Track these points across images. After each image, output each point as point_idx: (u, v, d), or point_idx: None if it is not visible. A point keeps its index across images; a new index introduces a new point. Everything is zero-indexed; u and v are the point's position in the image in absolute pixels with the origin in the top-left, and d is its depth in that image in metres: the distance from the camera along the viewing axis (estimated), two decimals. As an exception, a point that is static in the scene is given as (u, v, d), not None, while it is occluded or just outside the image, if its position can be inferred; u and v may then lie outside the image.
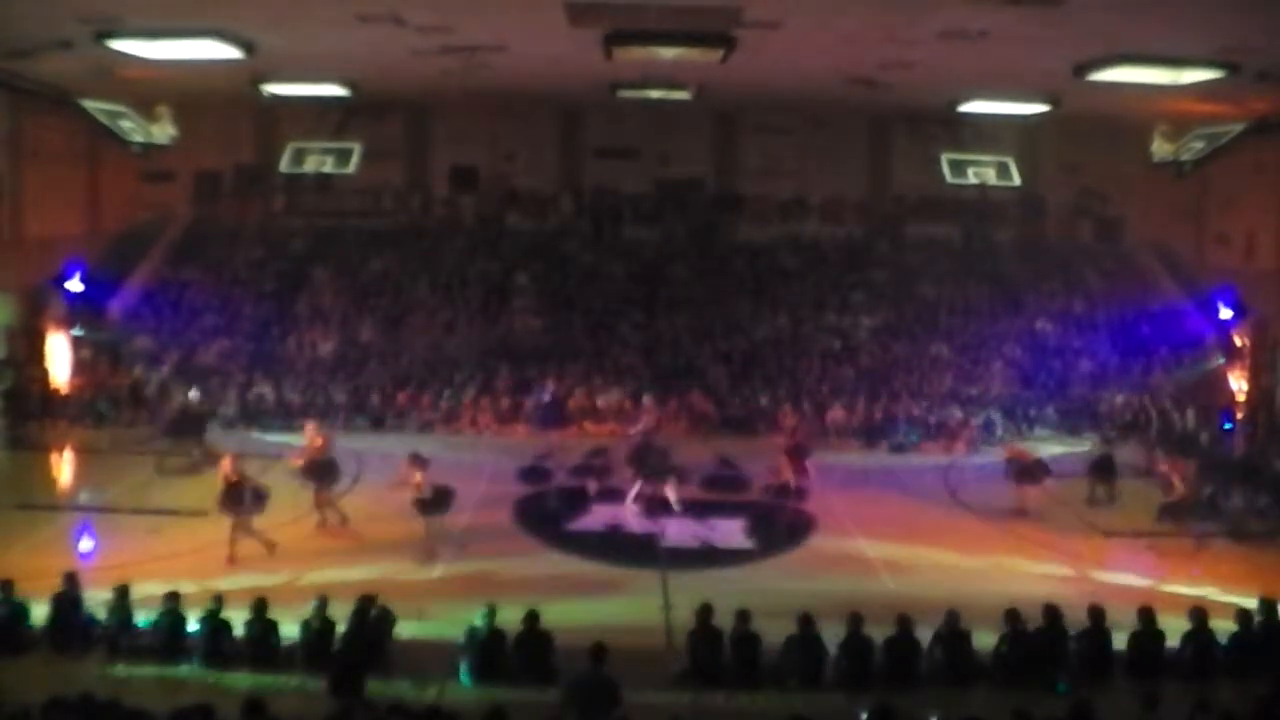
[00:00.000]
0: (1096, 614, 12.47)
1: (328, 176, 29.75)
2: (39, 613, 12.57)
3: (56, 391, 25.56)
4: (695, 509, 18.95)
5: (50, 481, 21.47)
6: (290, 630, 12.35)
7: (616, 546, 17.20)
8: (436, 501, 16.97)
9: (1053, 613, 12.43)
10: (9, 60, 18.31)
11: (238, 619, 12.35)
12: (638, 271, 30.45)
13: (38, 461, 22.00)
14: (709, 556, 16.96)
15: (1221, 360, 26.44)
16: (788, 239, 31.53)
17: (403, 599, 12.91)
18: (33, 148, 25.89)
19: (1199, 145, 22.99)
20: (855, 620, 12.20)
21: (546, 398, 24.25)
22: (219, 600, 12.42)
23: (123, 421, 24.29)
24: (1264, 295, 25.32)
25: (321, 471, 18.12)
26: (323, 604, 12.38)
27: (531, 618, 12.11)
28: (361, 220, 31.39)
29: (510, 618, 12.18)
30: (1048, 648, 12.22)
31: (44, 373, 25.62)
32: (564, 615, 12.67)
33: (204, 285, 29.16)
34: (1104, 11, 13.31)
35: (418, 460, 17.32)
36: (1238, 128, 22.09)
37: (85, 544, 16.89)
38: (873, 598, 14.13)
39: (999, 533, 18.22)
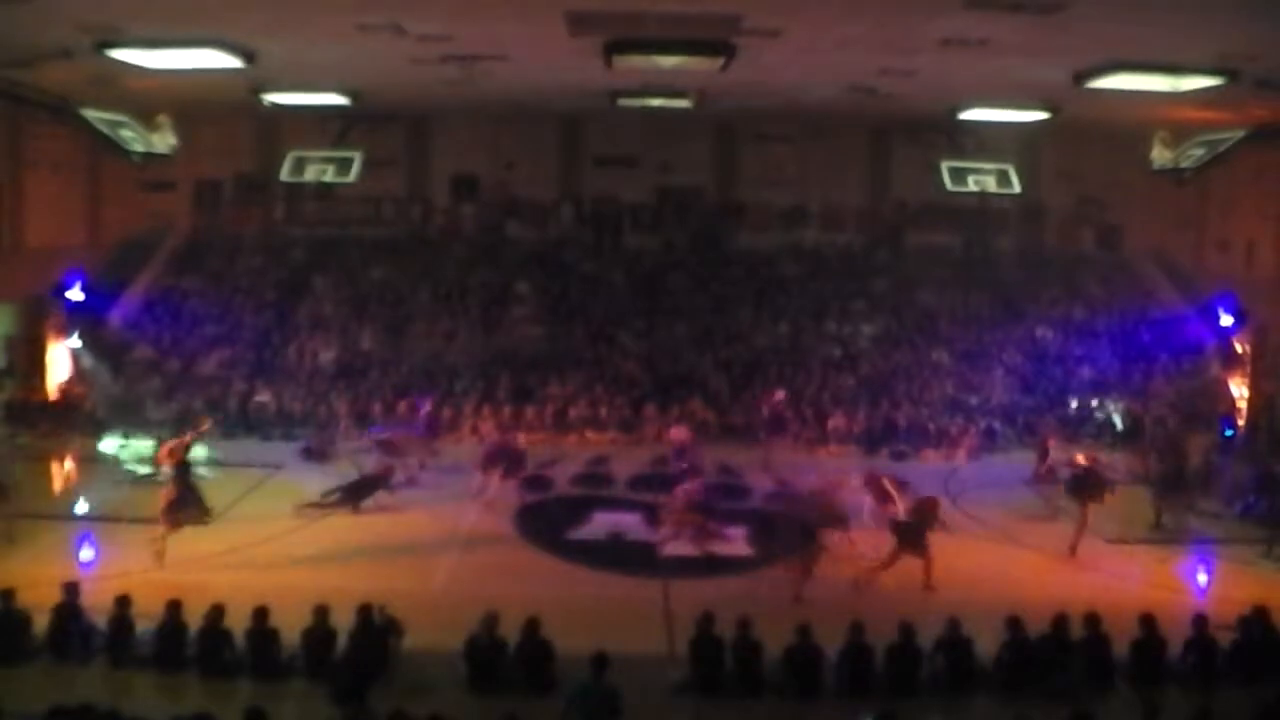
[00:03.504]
0: (1093, 622, 12.48)
1: (328, 185, 29.76)
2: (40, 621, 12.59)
3: (57, 401, 25.57)
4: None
5: (51, 490, 21.43)
6: (291, 638, 12.36)
7: (617, 555, 17.17)
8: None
9: (1059, 621, 12.44)
10: (9, 70, 18.33)
11: (238, 628, 12.36)
12: (638, 280, 30.46)
13: (38, 470, 21.94)
14: (710, 564, 16.91)
15: (1220, 368, 26.47)
16: (788, 247, 31.54)
17: (403, 608, 12.88)
18: (33, 157, 25.91)
19: (1199, 152, 22.99)
20: (856, 628, 12.21)
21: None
22: (220, 609, 12.41)
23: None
24: (1264, 302, 25.33)
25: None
26: (323, 613, 12.39)
27: (531, 626, 12.12)
28: (362, 229, 31.39)
29: (511, 626, 12.19)
30: (1049, 655, 12.22)
31: (44, 382, 25.63)
32: (565, 624, 12.65)
33: (204, 294, 29.15)
34: (1103, 19, 13.33)
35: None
36: (1238, 134, 22.09)
37: (86, 553, 16.84)
38: (874, 605, 14.12)
39: (1000, 540, 18.18)
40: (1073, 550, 17.16)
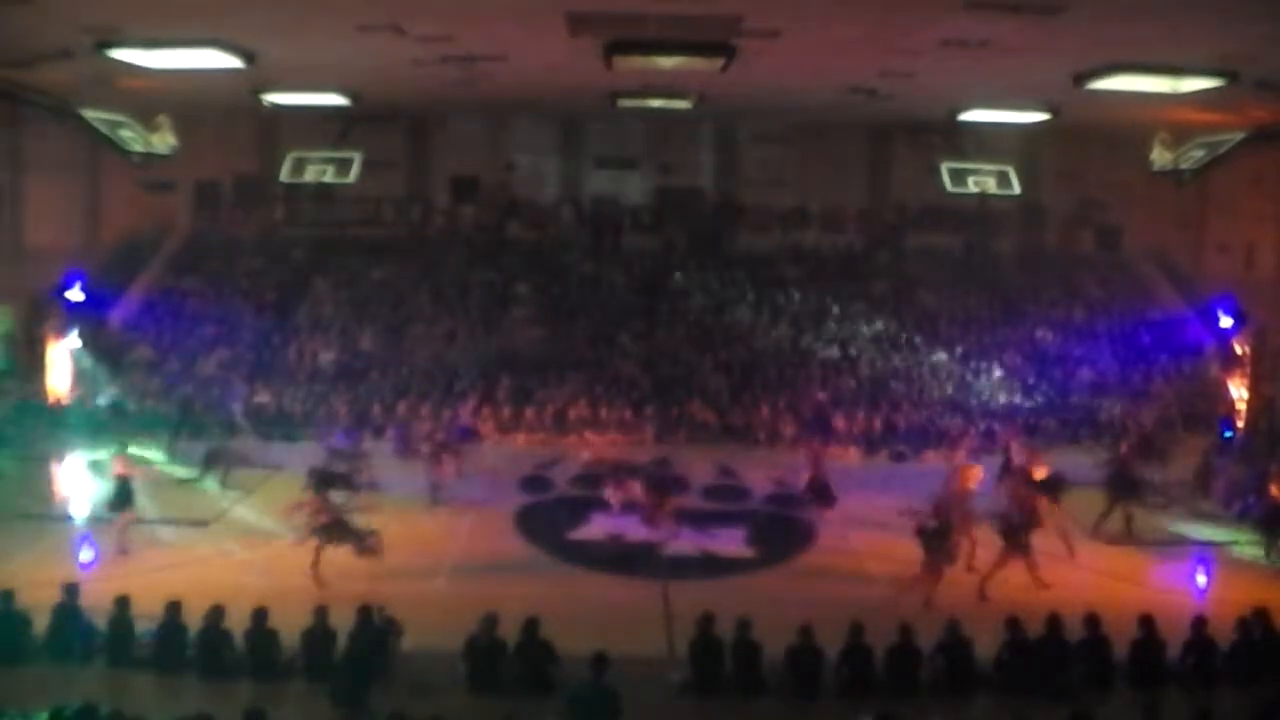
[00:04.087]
0: (1093, 623, 12.50)
1: (328, 186, 29.67)
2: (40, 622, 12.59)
3: (58, 401, 25.55)
4: (696, 518, 18.94)
5: (50, 492, 21.42)
6: (291, 639, 12.36)
7: (617, 556, 17.17)
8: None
9: (1054, 622, 12.46)
10: (10, 70, 18.32)
11: (238, 628, 12.36)
12: (638, 281, 30.47)
13: (39, 471, 21.93)
14: (710, 565, 16.92)
15: (1219, 369, 26.48)
16: (788, 249, 31.58)
17: (403, 609, 12.89)
18: (33, 158, 25.90)
19: (1199, 154, 23.00)
20: (856, 629, 12.22)
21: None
22: (219, 610, 12.41)
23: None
24: (1263, 304, 25.34)
25: None
26: (322, 614, 12.39)
27: (530, 627, 12.12)
28: (362, 230, 31.42)
29: (511, 627, 12.19)
30: (1048, 656, 12.23)
31: (45, 383, 25.61)
32: (565, 625, 12.65)
33: (205, 295, 29.16)
34: (1103, 20, 13.33)
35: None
36: (1237, 136, 22.11)
37: (86, 554, 16.83)
38: (873, 606, 14.12)
39: (1000, 541, 18.14)
40: (1070, 551, 17.14)
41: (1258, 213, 26.52)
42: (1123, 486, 18.72)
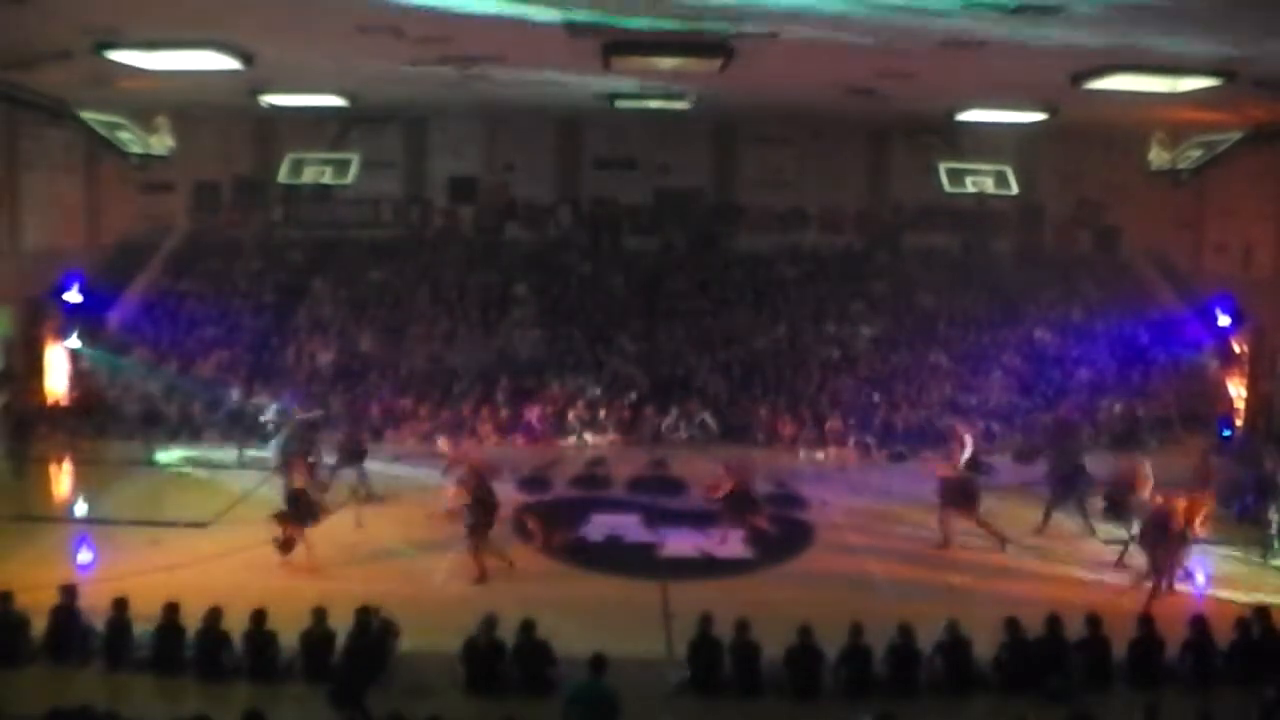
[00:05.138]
0: (1094, 623, 12.52)
1: (326, 187, 29.71)
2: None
3: (56, 403, 25.55)
4: (695, 518, 18.93)
5: (49, 493, 21.43)
6: (289, 641, 12.36)
7: (616, 556, 17.16)
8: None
9: (1053, 622, 12.47)
10: (9, 71, 18.32)
11: (236, 630, 12.36)
12: (637, 282, 30.46)
13: (36, 473, 21.93)
14: (709, 566, 16.91)
15: (1217, 368, 26.49)
16: (787, 249, 31.54)
17: (401, 609, 12.89)
18: (31, 159, 25.89)
19: (1197, 153, 23.03)
20: (855, 630, 12.23)
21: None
22: (217, 611, 12.41)
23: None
24: (1262, 303, 25.35)
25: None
26: (321, 615, 12.38)
27: (527, 627, 12.13)
28: (360, 231, 31.39)
29: (509, 628, 12.20)
30: (1048, 656, 12.24)
31: (42, 384, 25.61)
32: (563, 625, 12.65)
33: (203, 296, 29.10)
34: (1101, 20, 13.33)
35: None
36: (1235, 136, 22.14)
37: (84, 555, 16.83)
38: (873, 607, 14.12)
39: (999, 540, 18.17)
40: (946, 542, 17.58)
41: (1256, 212, 26.50)
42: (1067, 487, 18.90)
